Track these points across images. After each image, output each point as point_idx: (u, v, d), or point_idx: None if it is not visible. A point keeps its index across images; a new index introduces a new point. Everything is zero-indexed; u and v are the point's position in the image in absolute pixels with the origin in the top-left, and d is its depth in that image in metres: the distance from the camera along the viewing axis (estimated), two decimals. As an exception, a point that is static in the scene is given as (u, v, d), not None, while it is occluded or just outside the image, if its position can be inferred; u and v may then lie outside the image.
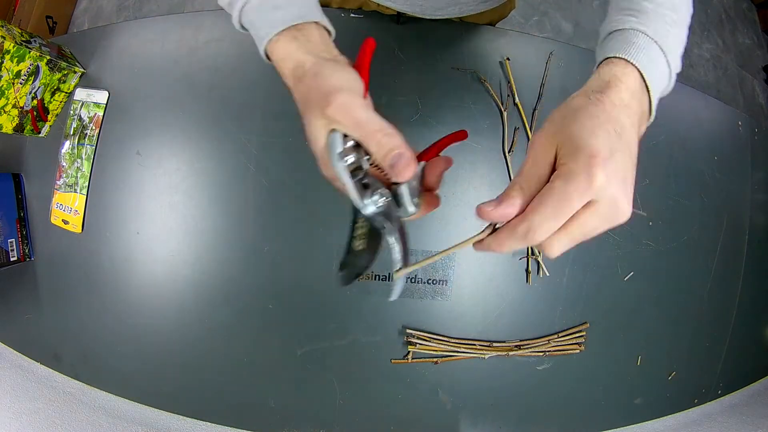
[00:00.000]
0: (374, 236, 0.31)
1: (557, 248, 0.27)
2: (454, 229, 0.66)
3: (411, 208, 0.30)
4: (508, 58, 0.67)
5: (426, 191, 0.33)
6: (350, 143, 0.28)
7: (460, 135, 0.35)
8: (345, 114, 0.27)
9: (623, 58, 0.30)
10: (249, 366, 0.67)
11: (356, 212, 0.31)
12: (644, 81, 0.30)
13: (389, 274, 0.65)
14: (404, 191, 0.29)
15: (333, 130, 0.28)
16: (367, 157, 0.28)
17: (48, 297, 0.72)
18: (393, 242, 0.29)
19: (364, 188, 0.28)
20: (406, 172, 0.27)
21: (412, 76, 0.67)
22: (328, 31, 0.35)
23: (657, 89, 0.31)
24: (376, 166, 0.29)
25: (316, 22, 0.33)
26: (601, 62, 0.32)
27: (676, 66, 0.33)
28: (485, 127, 0.67)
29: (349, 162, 0.27)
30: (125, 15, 1.79)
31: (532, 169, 0.27)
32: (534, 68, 0.69)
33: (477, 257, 0.66)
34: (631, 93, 0.30)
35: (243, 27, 0.36)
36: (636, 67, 0.30)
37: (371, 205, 0.28)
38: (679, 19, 0.33)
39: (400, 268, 0.30)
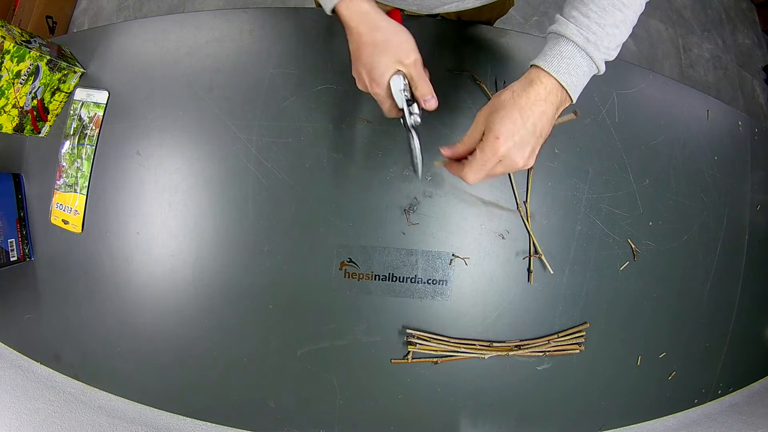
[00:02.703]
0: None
1: (474, 179, 0.43)
2: (454, 228, 0.66)
3: (419, 119, 0.46)
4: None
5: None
6: (405, 82, 0.42)
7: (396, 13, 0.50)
8: (416, 66, 0.42)
9: (543, 69, 0.40)
10: (249, 366, 0.67)
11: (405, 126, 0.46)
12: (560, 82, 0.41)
13: (389, 273, 0.65)
14: (418, 110, 0.45)
15: (398, 71, 0.41)
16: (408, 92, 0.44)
17: (48, 297, 0.72)
18: (417, 145, 0.46)
19: (408, 109, 0.44)
20: (432, 105, 0.45)
21: (412, 76, 0.67)
22: None
23: (577, 84, 0.41)
24: (412, 98, 0.44)
25: None
26: (532, 63, 0.42)
27: (609, 57, 0.42)
28: (485, 127, 0.67)
29: (406, 92, 0.43)
30: (125, 15, 1.79)
31: (471, 134, 0.43)
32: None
33: (477, 258, 0.66)
34: (548, 90, 0.40)
35: None
36: (553, 76, 0.40)
37: (414, 116, 0.44)
38: (626, 18, 0.40)
39: (440, 161, 0.48)
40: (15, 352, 0.74)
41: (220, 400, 0.68)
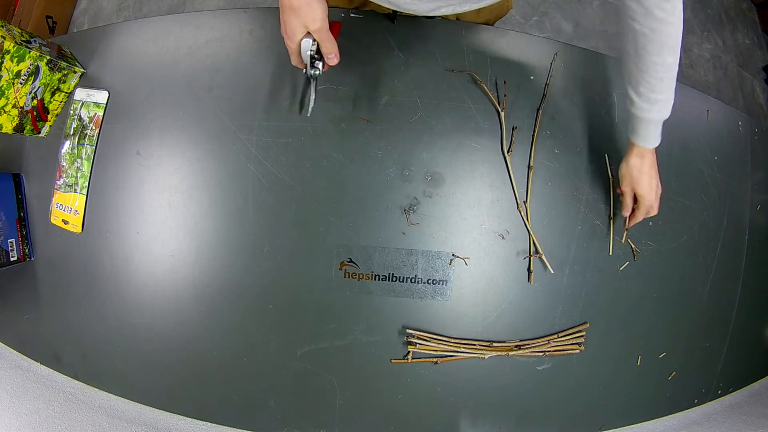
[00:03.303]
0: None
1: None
2: (453, 228, 0.66)
3: (318, 72, 0.54)
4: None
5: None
6: (315, 44, 0.50)
7: (336, 24, 0.56)
8: (320, 32, 0.49)
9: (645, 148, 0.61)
10: (249, 366, 0.67)
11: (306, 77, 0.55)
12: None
13: (389, 273, 0.65)
14: (321, 66, 0.53)
15: (308, 34, 0.49)
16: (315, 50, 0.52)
17: (48, 297, 0.72)
18: (313, 92, 0.56)
19: (311, 64, 0.52)
20: (333, 61, 0.53)
21: (412, 76, 0.67)
22: None
23: (660, 137, 0.60)
24: (317, 54, 0.52)
25: None
26: (633, 139, 0.61)
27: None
28: (485, 128, 0.67)
29: (312, 51, 0.51)
30: (125, 15, 1.79)
31: (628, 198, 0.64)
32: (534, 68, 0.69)
33: (477, 258, 0.66)
34: (651, 155, 0.62)
35: None
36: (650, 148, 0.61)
37: (315, 71, 0.53)
38: (672, 93, 0.55)
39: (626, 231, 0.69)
40: (15, 352, 0.74)
41: (220, 400, 0.68)
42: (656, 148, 0.61)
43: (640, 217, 0.64)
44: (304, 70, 0.54)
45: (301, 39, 0.50)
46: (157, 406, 0.69)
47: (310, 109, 0.56)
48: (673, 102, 0.56)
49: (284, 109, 0.66)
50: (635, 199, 0.64)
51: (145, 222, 0.68)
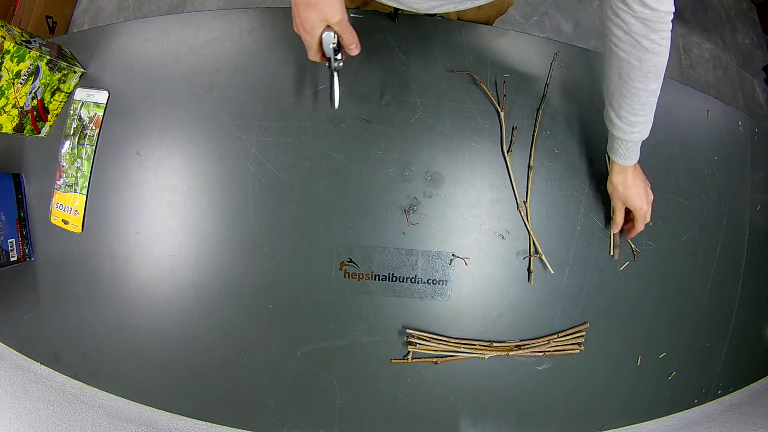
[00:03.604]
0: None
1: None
2: (453, 228, 0.66)
3: (341, 64, 0.54)
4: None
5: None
6: (335, 38, 0.50)
7: None
8: (341, 24, 0.48)
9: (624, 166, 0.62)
10: (249, 366, 0.67)
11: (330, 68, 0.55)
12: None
13: (389, 273, 0.65)
14: (341, 58, 0.54)
15: (328, 27, 0.49)
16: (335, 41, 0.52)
17: (48, 297, 0.72)
18: (337, 84, 0.56)
19: (335, 55, 0.52)
20: (355, 51, 0.52)
21: (412, 76, 0.67)
22: None
23: (639, 154, 0.61)
24: (338, 46, 0.52)
25: None
26: (612, 157, 0.62)
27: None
28: (485, 128, 0.67)
29: (334, 44, 0.51)
30: (125, 15, 1.79)
31: (618, 214, 0.65)
32: (534, 68, 0.69)
33: (477, 258, 0.66)
34: (633, 167, 0.62)
35: None
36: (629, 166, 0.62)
37: (338, 62, 0.53)
38: (652, 115, 0.56)
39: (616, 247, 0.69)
40: (15, 352, 0.74)
41: (220, 400, 0.68)
42: (640, 161, 0.62)
43: (639, 227, 0.65)
44: (327, 64, 0.53)
45: (322, 33, 0.49)
46: (157, 406, 0.69)
47: (337, 101, 0.56)
48: (652, 123, 0.56)
49: (284, 109, 0.66)
50: (629, 211, 0.65)
51: (145, 222, 0.68)
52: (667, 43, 0.47)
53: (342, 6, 0.48)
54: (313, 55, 0.52)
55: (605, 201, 0.69)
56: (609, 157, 0.62)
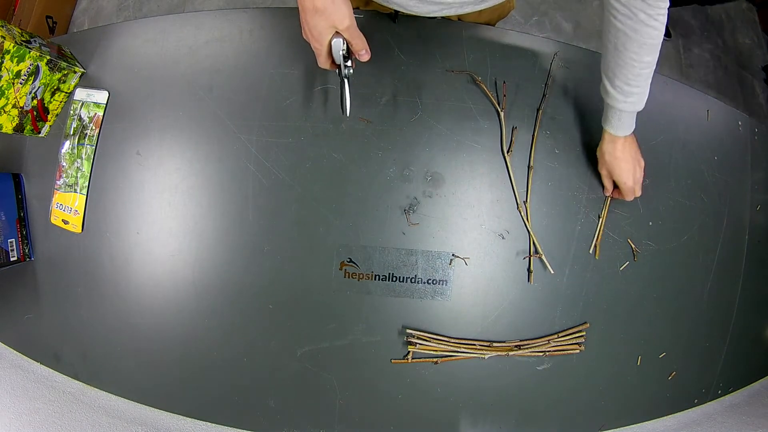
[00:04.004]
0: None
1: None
2: (453, 228, 0.66)
3: (352, 71, 0.54)
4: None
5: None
6: (345, 44, 0.50)
7: None
8: (350, 30, 0.48)
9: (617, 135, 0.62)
10: (249, 366, 0.67)
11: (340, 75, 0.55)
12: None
13: (389, 273, 0.65)
14: (352, 65, 0.54)
15: (337, 34, 0.49)
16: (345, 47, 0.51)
17: (48, 297, 0.72)
18: (347, 91, 0.55)
19: (344, 62, 0.52)
20: (365, 57, 0.52)
21: (412, 76, 0.67)
22: None
23: (633, 126, 0.61)
24: (348, 52, 0.52)
25: None
26: (605, 126, 0.62)
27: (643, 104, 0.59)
28: (485, 127, 0.67)
29: (344, 51, 0.50)
30: (125, 15, 1.79)
31: (606, 180, 0.66)
32: (535, 68, 0.69)
33: (477, 258, 0.66)
34: (624, 137, 0.61)
35: None
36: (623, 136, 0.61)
37: (348, 69, 0.53)
38: (647, 88, 0.56)
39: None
40: (15, 352, 0.74)
41: (220, 400, 0.68)
42: (635, 135, 0.62)
43: (627, 199, 0.66)
44: (337, 71, 0.53)
45: (331, 40, 0.49)
46: (157, 406, 0.69)
47: (348, 109, 0.55)
48: (647, 96, 0.57)
49: (284, 109, 0.66)
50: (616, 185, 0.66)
51: (145, 222, 0.68)
52: (663, 18, 0.48)
53: (350, 12, 0.47)
54: (323, 62, 0.52)
55: (605, 201, 0.69)
56: (602, 126, 0.63)
